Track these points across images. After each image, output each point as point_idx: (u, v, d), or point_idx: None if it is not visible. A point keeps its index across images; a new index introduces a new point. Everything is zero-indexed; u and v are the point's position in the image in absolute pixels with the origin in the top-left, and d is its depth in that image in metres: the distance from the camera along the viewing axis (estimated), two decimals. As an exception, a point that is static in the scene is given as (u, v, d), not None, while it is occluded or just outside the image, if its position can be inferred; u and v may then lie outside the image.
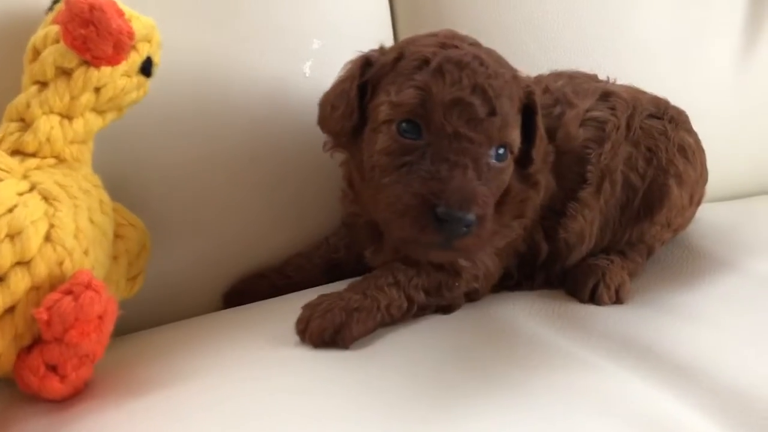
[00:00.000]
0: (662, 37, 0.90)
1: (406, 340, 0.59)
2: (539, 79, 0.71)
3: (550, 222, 0.66)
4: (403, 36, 0.84)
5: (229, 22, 0.70)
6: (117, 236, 0.62)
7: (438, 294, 0.61)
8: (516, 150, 0.58)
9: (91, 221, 0.57)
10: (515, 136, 0.57)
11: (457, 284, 0.61)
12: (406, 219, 0.53)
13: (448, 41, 0.58)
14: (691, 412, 0.50)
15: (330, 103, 0.60)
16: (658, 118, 0.70)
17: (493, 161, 0.56)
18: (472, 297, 0.64)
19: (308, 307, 0.58)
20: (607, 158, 0.66)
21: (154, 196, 0.68)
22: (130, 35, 0.57)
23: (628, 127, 0.68)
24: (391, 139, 0.55)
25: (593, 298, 0.65)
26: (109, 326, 0.53)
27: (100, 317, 0.52)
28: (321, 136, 0.64)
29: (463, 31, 0.82)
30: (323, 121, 0.61)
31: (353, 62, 0.60)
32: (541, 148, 0.62)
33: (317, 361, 0.56)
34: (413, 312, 0.60)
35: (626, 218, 0.68)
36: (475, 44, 0.60)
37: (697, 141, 0.72)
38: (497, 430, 0.47)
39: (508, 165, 0.58)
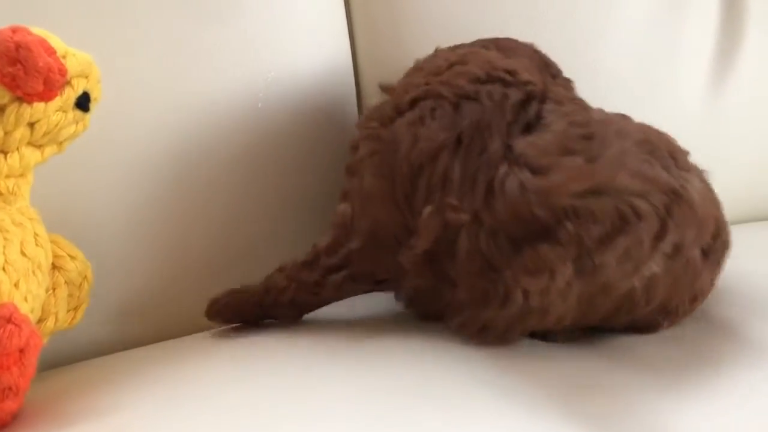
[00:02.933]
0: (630, 65, 0.89)
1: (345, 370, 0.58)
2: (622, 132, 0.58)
3: None
4: (363, 63, 0.86)
5: (177, 58, 0.71)
6: (55, 268, 0.63)
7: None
8: None
9: (23, 254, 0.58)
10: None
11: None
12: None
13: None
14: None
15: None
16: (707, 252, 0.57)
17: None
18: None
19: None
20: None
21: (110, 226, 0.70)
22: (62, 72, 0.58)
23: (676, 251, 0.54)
24: None
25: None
26: (32, 359, 0.53)
27: (21, 350, 0.52)
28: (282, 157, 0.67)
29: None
30: None
31: None
32: None
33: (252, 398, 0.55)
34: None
35: (603, 320, 0.58)
36: None
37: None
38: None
39: None
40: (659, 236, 0.53)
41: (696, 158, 0.84)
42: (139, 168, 0.69)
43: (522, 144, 0.56)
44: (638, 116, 0.71)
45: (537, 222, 0.53)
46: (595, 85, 0.85)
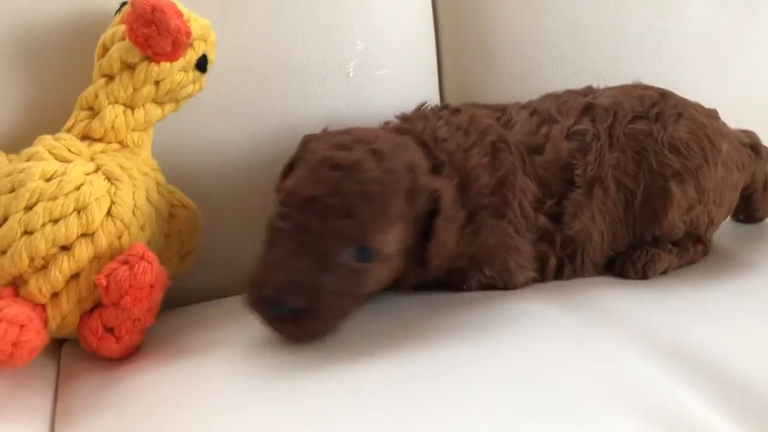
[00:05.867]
0: (704, 47, 0.89)
1: (422, 323, 0.62)
2: (529, 103, 0.74)
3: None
4: (445, 41, 0.89)
5: (273, 24, 0.75)
6: (171, 216, 0.68)
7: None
8: (387, 252, 0.58)
9: (148, 200, 0.63)
10: (383, 240, 0.58)
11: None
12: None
13: (346, 143, 0.60)
14: (702, 402, 0.52)
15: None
16: (643, 118, 0.71)
17: (351, 260, 0.57)
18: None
19: None
20: (593, 167, 0.69)
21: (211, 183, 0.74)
22: (188, 34, 0.63)
23: (610, 135, 0.70)
24: (271, 219, 0.60)
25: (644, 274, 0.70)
26: (159, 294, 0.59)
27: (152, 286, 0.58)
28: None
29: (505, 39, 0.88)
30: None
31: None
32: (439, 249, 0.60)
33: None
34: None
35: (631, 219, 0.71)
36: (372, 150, 0.59)
37: (694, 123, 0.71)
38: (510, 420, 0.49)
39: (376, 266, 0.58)
40: (597, 136, 0.70)
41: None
42: (244, 124, 0.74)
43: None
44: (707, 101, 0.75)
45: (563, 183, 0.69)
46: (667, 69, 0.87)
